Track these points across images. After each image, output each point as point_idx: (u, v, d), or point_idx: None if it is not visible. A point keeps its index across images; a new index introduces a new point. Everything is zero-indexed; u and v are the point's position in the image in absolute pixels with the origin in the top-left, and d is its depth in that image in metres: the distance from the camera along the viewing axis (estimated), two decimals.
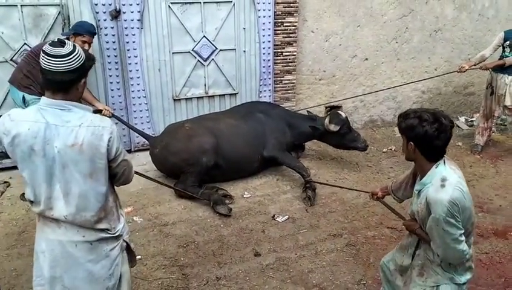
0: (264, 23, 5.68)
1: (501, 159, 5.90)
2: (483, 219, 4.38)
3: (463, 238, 2.13)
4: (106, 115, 4.42)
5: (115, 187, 2.25)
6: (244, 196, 4.76)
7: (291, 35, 5.91)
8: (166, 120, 5.50)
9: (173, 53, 5.35)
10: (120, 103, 5.24)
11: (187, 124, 4.86)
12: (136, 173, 2.81)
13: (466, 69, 5.84)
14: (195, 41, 5.40)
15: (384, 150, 6.17)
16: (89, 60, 2.01)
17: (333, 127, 5.13)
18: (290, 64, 6.05)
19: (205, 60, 5.54)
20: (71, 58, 1.90)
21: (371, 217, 4.40)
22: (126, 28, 5.04)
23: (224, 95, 5.80)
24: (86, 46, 4.39)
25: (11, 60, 4.66)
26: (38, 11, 4.64)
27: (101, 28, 4.92)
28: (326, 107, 5.54)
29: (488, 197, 4.83)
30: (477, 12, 7.07)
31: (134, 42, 5.13)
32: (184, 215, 4.36)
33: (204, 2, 5.28)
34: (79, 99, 2.06)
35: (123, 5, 4.94)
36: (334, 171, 5.36)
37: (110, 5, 4.89)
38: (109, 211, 2.14)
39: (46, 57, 1.89)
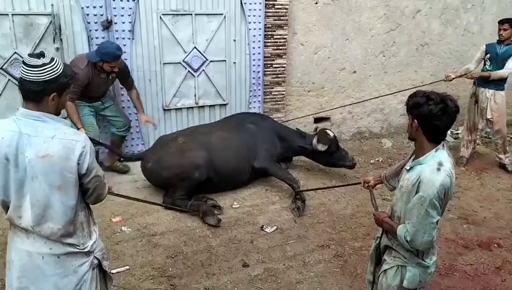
0: (254, 36, 5.76)
1: (486, 171, 6.01)
2: (467, 231, 4.46)
3: (437, 225, 2.21)
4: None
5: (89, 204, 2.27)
6: (233, 206, 4.78)
7: (281, 47, 6.00)
8: (156, 130, 5.51)
9: (164, 64, 5.38)
10: None
11: (180, 138, 4.84)
12: (113, 193, 2.87)
13: (453, 78, 5.96)
14: (185, 52, 5.45)
15: (372, 161, 6.25)
16: (65, 77, 2.02)
17: (321, 147, 5.21)
18: (279, 76, 6.13)
19: (195, 71, 5.59)
20: (44, 70, 1.94)
21: (358, 228, 4.45)
22: (117, 38, 5.06)
23: (214, 105, 5.84)
24: (115, 70, 4.56)
25: (1, 68, 4.66)
26: (29, 21, 4.65)
27: (92, 38, 4.94)
28: (315, 128, 5.66)
29: (472, 209, 4.92)
30: (462, 27, 7.24)
31: (125, 52, 5.12)
32: (173, 226, 4.37)
33: (195, 14, 5.34)
34: (57, 113, 2.08)
35: (115, 15, 4.98)
36: (322, 182, 5.41)
37: (102, 15, 4.92)
38: (79, 226, 2.15)
39: (23, 66, 1.97)
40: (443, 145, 2.27)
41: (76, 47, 4.89)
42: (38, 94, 1.97)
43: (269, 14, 5.74)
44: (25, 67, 1.96)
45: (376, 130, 7.22)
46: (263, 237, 4.25)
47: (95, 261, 2.27)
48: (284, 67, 6.12)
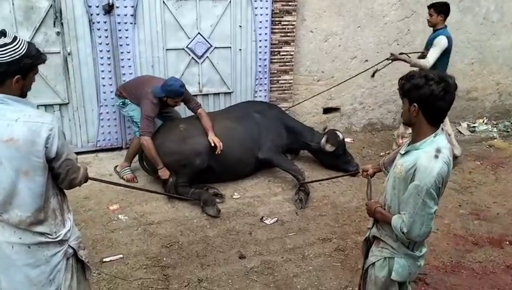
0: (261, 22, 5.58)
1: (502, 166, 5.74)
2: (478, 227, 4.24)
3: (434, 217, 2.08)
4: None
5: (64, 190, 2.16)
6: (234, 196, 4.65)
7: (289, 34, 5.80)
8: None
9: (167, 50, 5.26)
10: (112, 99, 5.15)
11: (181, 125, 4.75)
12: (94, 179, 2.69)
13: (395, 58, 5.37)
14: (189, 38, 5.31)
15: (382, 153, 6.02)
16: (29, 58, 1.89)
17: (329, 147, 5.06)
18: (287, 64, 5.94)
19: (199, 58, 5.45)
20: (4, 50, 1.82)
21: (362, 222, 4.26)
22: (119, 23, 4.96)
23: (218, 93, 5.70)
24: (178, 104, 4.74)
25: None
26: (29, 4, 4.57)
27: (93, 23, 4.84)
28: (325, 128, 5.48)
29: (485, 205, 4.68)
30: (481, 15, 6.91)
31: (127, 38, 5.05)
32: (171, 215, 4.27)
33: None
34: (22, 95, 1.96)
35: None
36: (328, 174, 5.22)
37: None
38: (50, 214, 2.03)
39: None
40: (442, 129, 2.12)
41: (77, 31, 4.81)
42: (1, 76, 1.85)
43: None
44: None
45: (388, 121, 6.97)
46: (262, 228, 4.11)
47: (70, 251, 2.15)
48: (292, 55, 5.93)
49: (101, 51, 4.99)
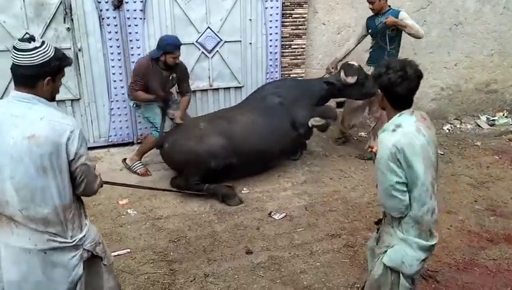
0: (271, 15, 5.51)
1: None
2: (494, 223, 4.11)
3: (402, 188, 2.13)
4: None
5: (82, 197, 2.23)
6: (243, 191, 4.62)
7: (300, 27, 5.72)
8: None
9: None
10: (123, 94, 5.17)
11: (202, 123, 4.60)
12: (109, 183, 2.86)
13: (334, 67, 5.37)
14: (199, 32, 5.29)
15: None
16: (57, 60, 1.99)
17: (351, 79, 4.85)
18: (298, 57, 5.86)
19: (209, 52, 5.42)
20: (35, 53, 1.92)
21: (373, 218, 4.12)
22: (128, 18, 4.97)
23: (229, 88, 5.66)
24: (177, 61, 4.55)
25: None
26: (40, 0, 4.61)
27: (103, 18, 4.86)
28: (335, 66, 5.31)
29: (502, 201, 4.53)
30: (502, 5, 6.67)
31: (136, 33, 5.06)
32: (179, 210, 4.26)
33: None
34: (52, 98, 2.07)
35: None
36: (340, 169, 5.14)
37: None
38: (69, 217, 2.09)
39: (13, 51, 1.94)
40: (412, 112, 2.22)
41: (87, 27, 4.85)
42: (31, 79, 1.95)
43: None
44: (16, 51, 1.93)
45: None
46: (270, 223, 4.07)
47: (86, 255, 2.22)
48: (304, 48, 5.85)
49: (111, 47, 5.01)
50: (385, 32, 5.08)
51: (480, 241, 3.83)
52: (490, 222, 4.12)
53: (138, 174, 4.84)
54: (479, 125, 6.82)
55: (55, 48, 2.03)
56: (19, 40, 1.96)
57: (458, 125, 6.83)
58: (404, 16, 5.01)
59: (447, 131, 6.63)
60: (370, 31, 5.25)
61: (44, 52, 1.94)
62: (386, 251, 2.29)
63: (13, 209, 1.97)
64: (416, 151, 2.11)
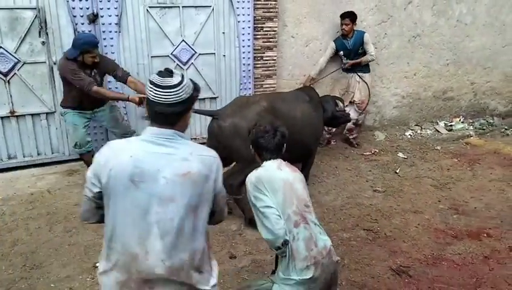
0: (243, 28, 5.72)
1: (478, 162, 5.98)
2: (457, 221, 4.43)
3: (269, 212, 2.36)
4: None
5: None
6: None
7: (271, 40, 5.96)
8: (144, 124, 5.45)
9: (152, 57, 5.35)
10: None
11: (263, 102, 4.25)
12: None
13: (311, 82, 6.12)
14: (174, 45, 5.41)
15: (364, 153, 6.22)
16: (196, 90, 1.84)
17: (341, 107, 5.21)
18: (270, 68, 6.09)
19: (184, 64, 5.55)
20: (180, 89, 1.74)
21: (347, 219, 4.42)
22: (103, 31, 5.03)
23: (204, 98, 5.80)
24: (96, 60, 4.31)
25: None
26: (14, 15, 4.62)
27: (78, 32, 4.89)
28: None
29: (463, 200, 4.89)
30: (455, 18, 7.19)
31: (112, 46, 5.12)
32: None
33: (182, 6, 5.30)
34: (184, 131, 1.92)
35: (101, 8, 4.93)
36: (314, 174, 5.37)
37: (88, 8, 4.88)
38: (205, 259, 1.89)
39: (155, 88, 1.73)
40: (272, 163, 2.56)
41: (62, 41, 4.87)
42: (176, 115, 1.78)
43: (258, 6, 5.70)
44: (158, 89, 1.72)
45: (369, 122, 7.18)
46: (251, 229, 4.21)
47: None
48: (275, 60, 6.09)
49: None
50: (356, 52, 6.09)
51: (445, 237, 4.14)
52: (454, 220, 4.45)
53: None
54: (438, 131, 7.27)
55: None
56: (158, 75, 1.75)
57: (419, 131, 7.25)
58: (367, 39, 6.07)
59: (409, 136, 7.03)
60: (341, 52, 6.06)
61: (188, 86, 1.77)
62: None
63: (155, 259, 1.73)
64: (274, 180, 2.42)
